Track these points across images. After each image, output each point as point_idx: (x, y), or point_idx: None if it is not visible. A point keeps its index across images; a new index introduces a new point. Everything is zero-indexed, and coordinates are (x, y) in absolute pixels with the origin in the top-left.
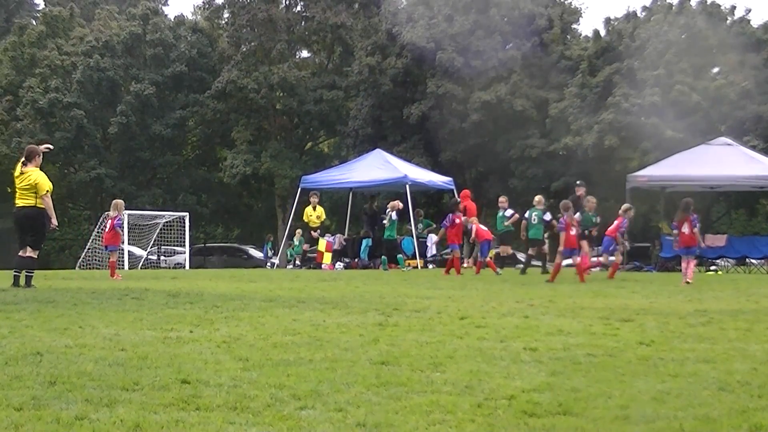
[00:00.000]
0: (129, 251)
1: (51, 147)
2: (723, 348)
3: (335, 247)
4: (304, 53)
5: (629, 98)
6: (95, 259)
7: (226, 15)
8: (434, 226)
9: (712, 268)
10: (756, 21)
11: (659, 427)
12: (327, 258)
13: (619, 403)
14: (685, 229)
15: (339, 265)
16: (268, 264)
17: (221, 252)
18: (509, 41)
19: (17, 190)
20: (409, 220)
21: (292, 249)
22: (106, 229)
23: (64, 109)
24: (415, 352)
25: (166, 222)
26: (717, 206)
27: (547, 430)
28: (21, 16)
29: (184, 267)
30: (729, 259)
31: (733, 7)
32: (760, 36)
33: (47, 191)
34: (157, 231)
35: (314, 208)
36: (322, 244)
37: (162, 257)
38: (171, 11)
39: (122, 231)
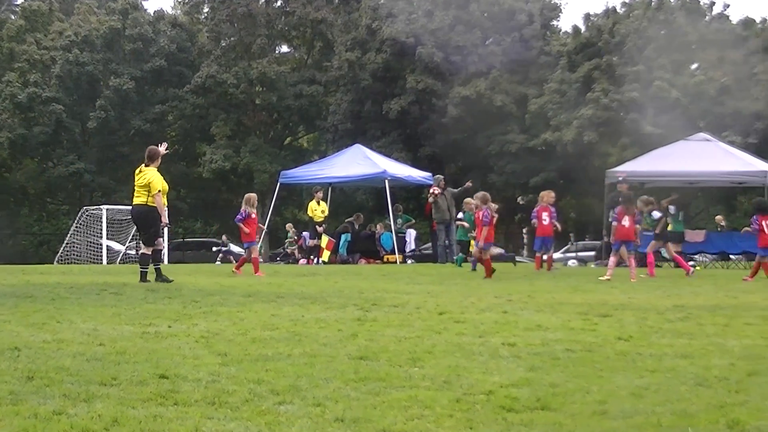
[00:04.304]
0: (107, 246)
1: (168, 148)
2: (701, 343)
3: (315, 242)
4: (284, 48)
5: (609, 94)
6: (73, 254)
7: (205, 10)
8: (413, 221)
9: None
10: (735, 17)
11: (637, 422)
12: (326, 255)
13: (598, 398)
14: (626, 222)
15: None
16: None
17: (200, 247)
18: (489, 37)
19: (135, 188)
20: (388, 216)
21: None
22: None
23: (43, 104)
24: (393, 347)
25: None
26: (696, 202)
27: (525, 425)
28: (0, 11)
29: (163, 262)
30: (707, 255)
31: (712, 3)
32: (740, 32)
33: (159, 190)
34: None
35: (318, 203)
36: (324, 241)
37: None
38: (150, 6)
39: (244, 225)
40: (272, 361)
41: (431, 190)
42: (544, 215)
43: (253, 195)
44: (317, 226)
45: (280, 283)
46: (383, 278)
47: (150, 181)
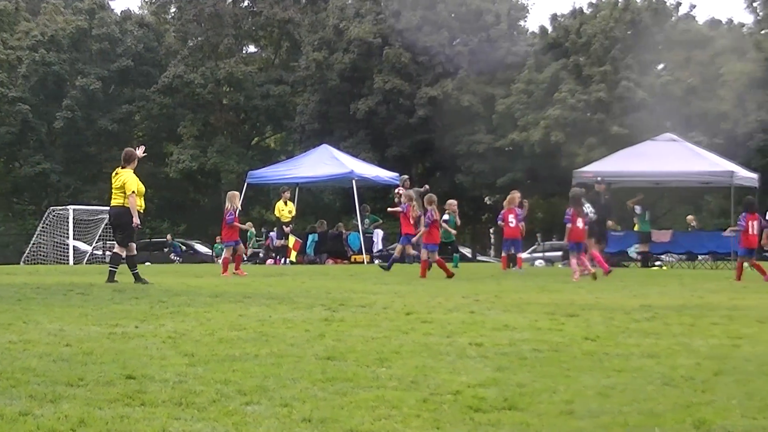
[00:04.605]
0: (74, 246)
1: (145, 151)
2: (667, 343)
3: (282, 242)
4: (251, 48)
5: (576, 94)
6: (40, 255)
7: (172, 10)
8: (381, 221)
9: (657, 263)
10: (701, 17)
11: (604, 421)
12: (293, 255)
13: (565, 398)
14: (579, 223)
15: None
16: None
17: (166, 246)
18: (456, 37)
19: (112, 190)
20: (356, 216)
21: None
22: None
23: (9, 104)
24: (361, 347)
25: None
26: (662, 202)
27: (492, 425)
28: None
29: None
30: (674, 255)
31: (679, 4)
32: (706, 33)
33: (133, 191)
34: (103, 226)
35: (285, 203)
36: (291, 241)
37: (107, 252)
38: (117, 6)
39: (237, 224)
40: (239, 361)
41: (396, 191)
42: (510, 217)
43: (237, 193)
44: (284, 227)
45: (247, 284)
46: (350, 278)
47: (125, 182)
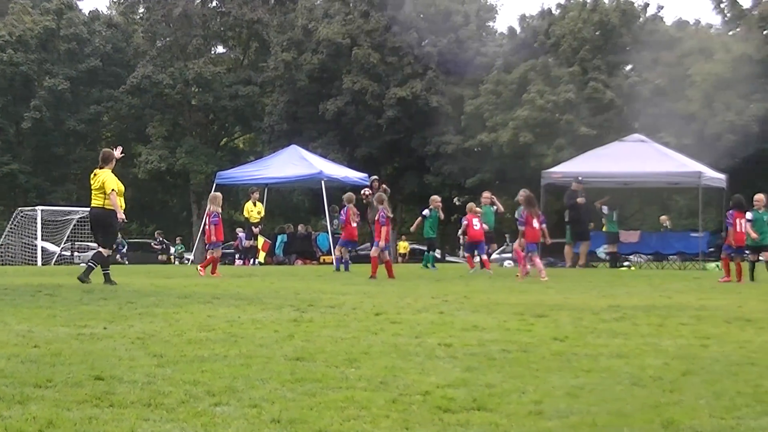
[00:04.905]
0: (42, 247)
1: (123, 152)
2: (636, 343)
3: (251, 243)
4: (220, 49)
5: (544, 95)
6: (8, 256)
7: (141, 10)
8: None
9: (626, 263)
10: (669, 19)
11: (573, 422)
12: (262, 256)
13: (534, 398)
14: (535, 224)
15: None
16: (176, 261)
17: (136, 248)
18: (425, 38)
19: (92, 191)
20: (325, 216)
21: None
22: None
23: None
24: (330, 348)
25: (80, 218)
26: (631, 202)
27: (461, 425)
28: None
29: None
30: (642, 255)
31: (647, 5)
32: (673, 33)
33: (113, 190)
34: (71, 227)
35: (254, 204)
36: (260, 242)
37: (76, 253)
38: (85, 6)
39: (216, 227)
40: (208, 362)
41: (363, 191)
42: (474, 221)
43: (219, 195)
44: (253, 227)
45: (216, 284)
46: (319, 279)
47: (104, 182)
